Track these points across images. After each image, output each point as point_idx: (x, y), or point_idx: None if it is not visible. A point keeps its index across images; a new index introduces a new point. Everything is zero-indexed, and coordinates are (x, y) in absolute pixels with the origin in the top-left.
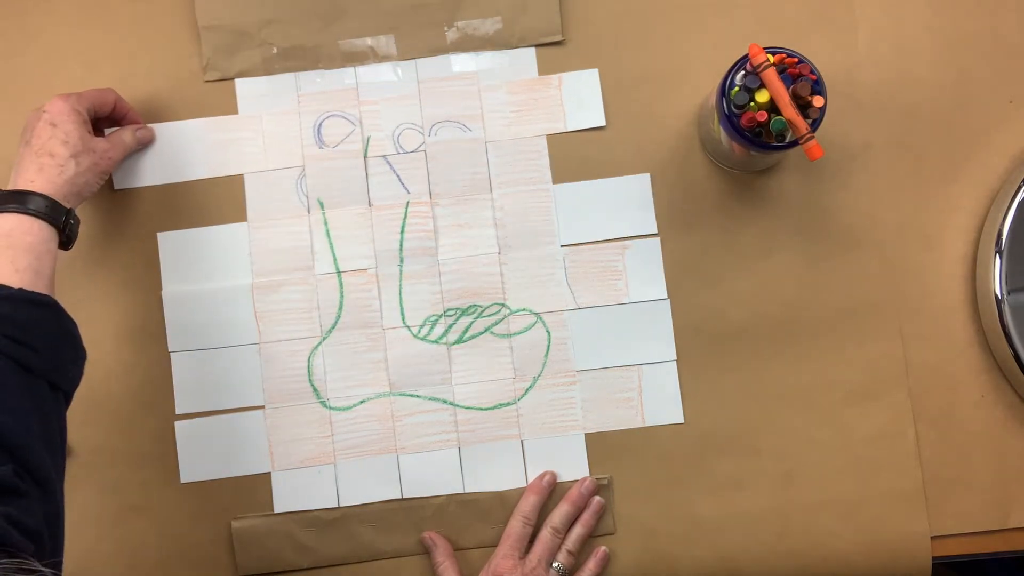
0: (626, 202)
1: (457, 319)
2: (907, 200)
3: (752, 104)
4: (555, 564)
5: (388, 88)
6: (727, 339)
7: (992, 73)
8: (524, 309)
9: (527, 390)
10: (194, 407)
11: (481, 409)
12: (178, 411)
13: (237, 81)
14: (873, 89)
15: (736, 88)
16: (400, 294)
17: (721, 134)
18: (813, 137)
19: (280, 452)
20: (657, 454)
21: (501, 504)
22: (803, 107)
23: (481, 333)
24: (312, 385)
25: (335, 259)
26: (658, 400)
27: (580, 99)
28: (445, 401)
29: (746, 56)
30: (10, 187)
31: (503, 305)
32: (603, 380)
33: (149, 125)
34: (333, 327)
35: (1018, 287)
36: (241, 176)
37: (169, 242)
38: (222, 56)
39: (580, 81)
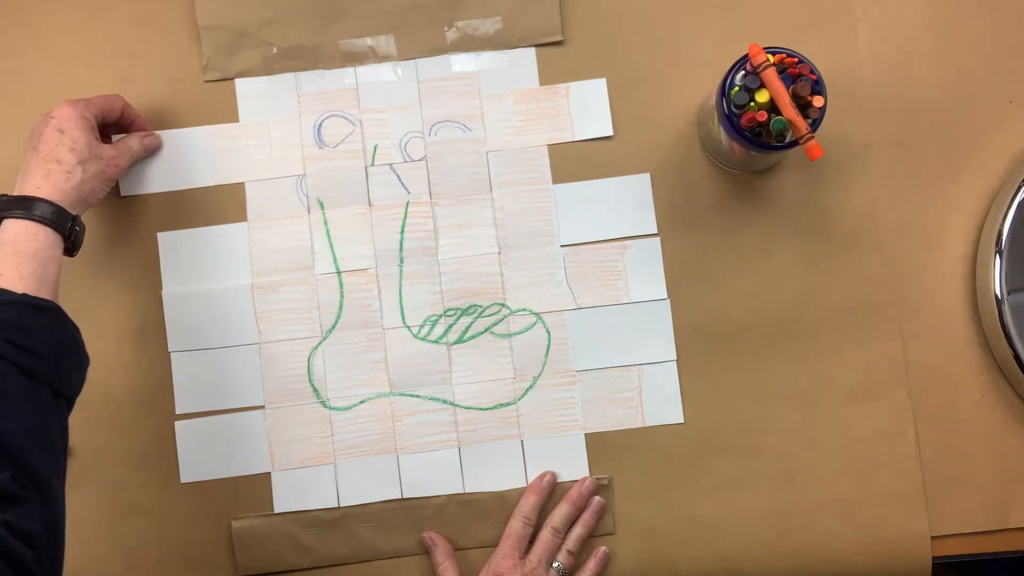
0: (626, 202)
1: (457, 319)
2: (907, 200)
3: (752, 104)
4: (555, 564)
5: (389, 88)
6: (727, 339)
7: (992, 73)
8: (524, 309)
9: (527, 390)
10: (194, 407)
11: (481, 409)
12: (178, 411)
13: (237, 81)
14: (873, 89)
15: (736, 88)
16: (400, 294)
17: (721, 134)
18: (813, 137)
19: (280, 452)
20: (657, 454)
21: (501, 504)
22: (803, 107)
23: (481, 333)
24: (312, 385)
25: (335, 259)
26: (658, 400)
27: (587, 109)
28: (445, 401)
29: (746, 56)
30: (16, 192)
31: (503, 305)
32: (603, 380)
33: (156, 132)
34: (333, 327)
35: (1018, 287)
36: (245, 180)
37: (169, 242)
38: (222, 56)
39: (587, 90)
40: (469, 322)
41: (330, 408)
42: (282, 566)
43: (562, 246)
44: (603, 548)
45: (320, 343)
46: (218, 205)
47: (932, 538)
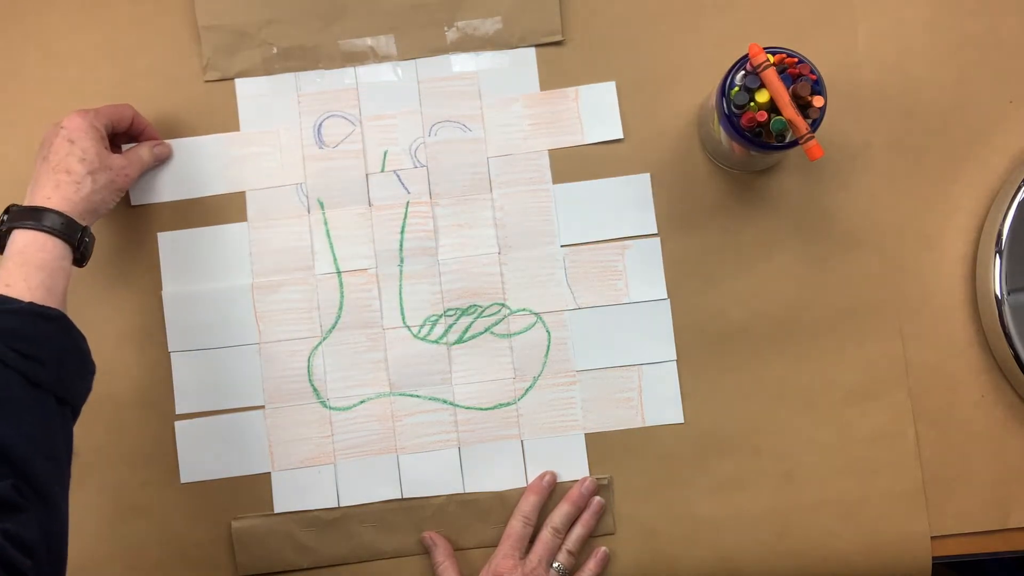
0: (626, 202)
1: (457, 319)
2: (907, 200)
3: (752, 104)
4: (555, 564)
5: (389, 89)
6: (727, 339)
7: (992, 73)
8: (524, 309)
9: (527, 390)
10: (194, 407)
11: (481, 409)
12: (178, 411)
13: (237, 81)
14: (873, 89)
15: (736, 88)
16: (400, 294)
17: (721, 134)
18: (813, 137)
19: (280, 452)
20: (657, 454)
21: (501, 504)
22: (803, 107)
23: (481, 333)
24: (312, 385)
25: (335, 259)
26: (658, 400)
27: (597, 112)
28: (445, 401)
29: (746, 56)
30: (27, 203)
31: (503, 305)
32: (603, 380)
33: (166, 141)
34: (333, 327)
35: (1018, 287)
36: (256, 188)
37: (169, 242)
38: (222, 56)
39: (597, 94)
40: (469, 322)
41: (330, 408)
42: (282, 566)
43: (562, 246)
44: (603, 548)
45: (320, 343)
46: (218, 205)
47: (932, 538)
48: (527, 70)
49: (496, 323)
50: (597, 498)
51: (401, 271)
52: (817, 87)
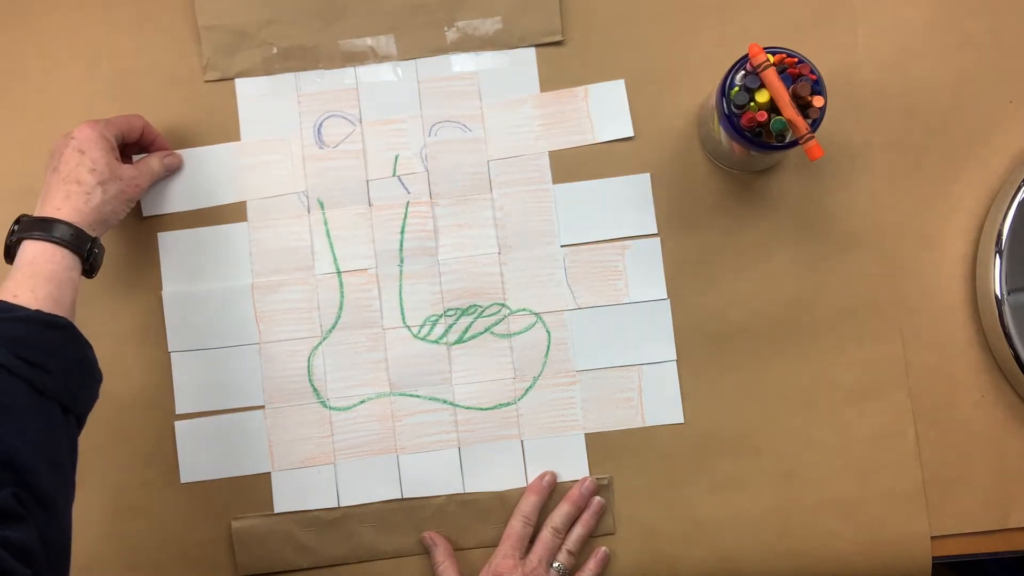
0: (626, 202)
1: (457, 319)
2: (907, 200)
3: (752, 104)
4: (555, 564)
5: (389, 89)
6: (727, 339)
7: (992, 73)
8: (524, 309)
9: (527, 390)
10: (194, 407)
11: (481, 409)
12: (178, 411)
13: (237, 81)
14: (873, 89)
15: (736, 88)
16: (400, 294)
17: (721, 134)
18: (813, 137)
19: (280, 452)
20: (657, 454)
21: (501, 504)
22: (803, 107)
23: (481, 333)
24: (312, 385)
25: (335, 259)
26: (658, 400)
27: (607, 111)
28: (445, 401)
29: (746, 56)
30: (37, 213)
31: (503, 305)
32: (603, 380)
33: (177, 151)
34: (333, 327)
35: (1018, 287)
36: (266, 196)
37: (169, 242)
38: (222, 56)
39: (607, 92)
40: (469, 322)
41: (330, 408)
42: (282, 566)
43: (562, 246)
44: (603, 548)
45: (320, 343)
46: (219, 205)
47: (932, 538)
48: (527, 70)
49: (496, 323)
50: (597, 498)
51: (401, 271)
52: (817, 87)
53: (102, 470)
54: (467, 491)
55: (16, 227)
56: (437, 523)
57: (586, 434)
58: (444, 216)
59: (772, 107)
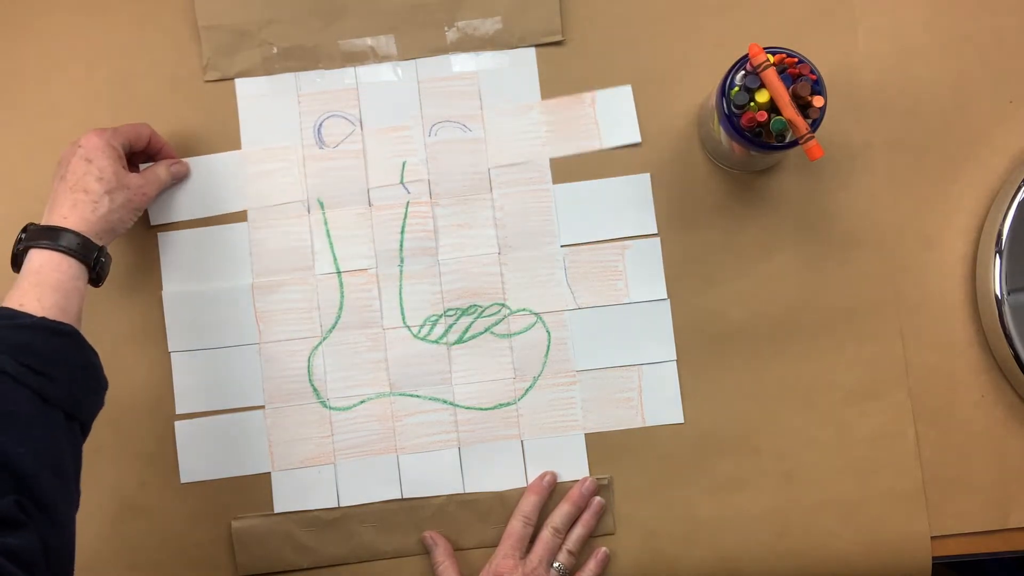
0: (626, 202)
1: (457, 319)
2: (907, 200)
3: (752, 104)
4: (556, 564)
5: (389, 89)
6: (727, 339)
7: (992, 73)
8: (524, 309)
9: (527, 390)
10: (194, 407)
11: (481, 409)
12: (178, 411)
13: (237, 81)
14: (873, 89)
15: (736, 88)
16: (400, 294)
17: (721, 134)
18: (813, 137)
19: (280, 452)
20: (657, 454)
21: (501, 504)
22: (803, 107)
23: (481, 333)
24: (312, 385)
25: (335, 259)
26: (658, 400)
27: (614, 117)
28: (445, 401)
29: (746, 56)
30: (44, 222)
31: (503, 305)
32: (603, 380)
33: (184, 160)
34: (333, 327)
35: (1018, 287)
36: (274, 204)
37: (169, 242)
38: (222, 56)
39: (614, 98)
40: (469, 322)
41: (330, 408)
42: (282, 566)
43: (562, 246)
44: (603, 548)
45: (320, 343)
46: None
47: (932, 538)
48: (527, 70)
49: (496, 323)
50: (597, 498)
51: (401, 271)
52: (817, 87)
53: (102, 470)
54: (467, 491)
55: (23, 236)
56: (437, 523)
57: (586, 434)
58: (444, 216)
59: (772, 107)
